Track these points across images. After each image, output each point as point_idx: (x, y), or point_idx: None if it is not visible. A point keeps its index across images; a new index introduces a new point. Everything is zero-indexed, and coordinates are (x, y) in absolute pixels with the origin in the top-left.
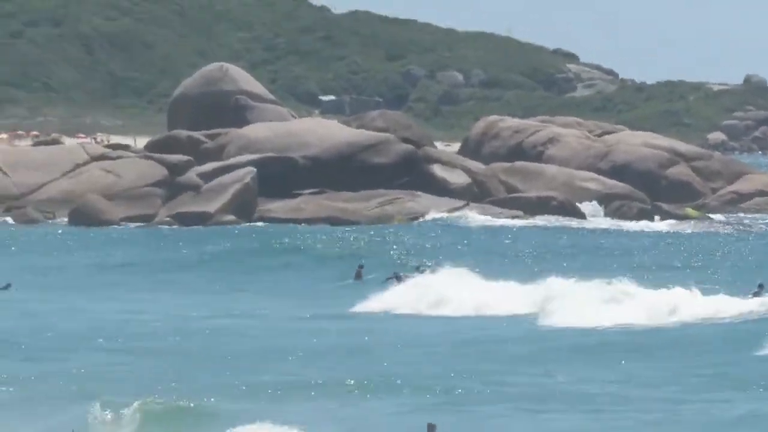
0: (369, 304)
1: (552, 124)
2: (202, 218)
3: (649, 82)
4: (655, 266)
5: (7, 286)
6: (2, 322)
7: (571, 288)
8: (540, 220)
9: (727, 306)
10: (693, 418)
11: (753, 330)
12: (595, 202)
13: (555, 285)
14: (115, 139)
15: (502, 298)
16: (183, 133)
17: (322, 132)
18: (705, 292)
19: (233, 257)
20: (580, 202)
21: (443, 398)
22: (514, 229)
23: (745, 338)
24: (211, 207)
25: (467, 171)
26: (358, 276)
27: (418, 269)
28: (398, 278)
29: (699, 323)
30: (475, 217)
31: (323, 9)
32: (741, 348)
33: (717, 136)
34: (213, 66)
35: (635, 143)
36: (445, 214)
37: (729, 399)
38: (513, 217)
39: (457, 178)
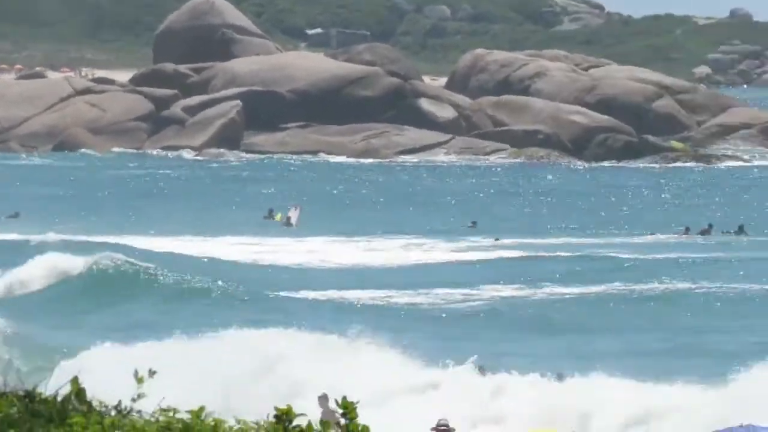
0: None
1: (540, 57)
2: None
3: (635, 15)
4: None
5: (16, 215)
6: None
7: None
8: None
9: None
10: None
11: None
12: None
13: None
14: (101, 74)
15: None
16: (169, 66)
17: (309, 66)
18: None
19: None
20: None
21: None
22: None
23: None
24: (197, 141)
25: (454, 105)
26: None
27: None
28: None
29: None
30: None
31: None
32: None
33: (702, 69)
34: None
35: (621, 77)
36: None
37: None
38: (496, 151)
39: (444, 112)
